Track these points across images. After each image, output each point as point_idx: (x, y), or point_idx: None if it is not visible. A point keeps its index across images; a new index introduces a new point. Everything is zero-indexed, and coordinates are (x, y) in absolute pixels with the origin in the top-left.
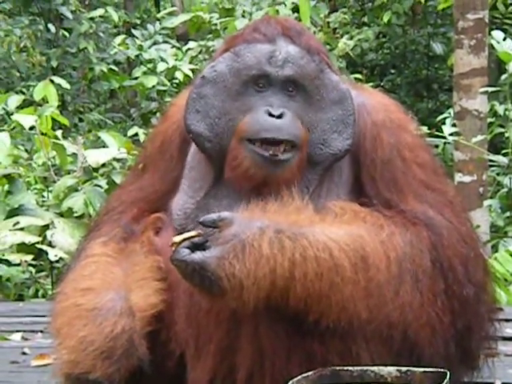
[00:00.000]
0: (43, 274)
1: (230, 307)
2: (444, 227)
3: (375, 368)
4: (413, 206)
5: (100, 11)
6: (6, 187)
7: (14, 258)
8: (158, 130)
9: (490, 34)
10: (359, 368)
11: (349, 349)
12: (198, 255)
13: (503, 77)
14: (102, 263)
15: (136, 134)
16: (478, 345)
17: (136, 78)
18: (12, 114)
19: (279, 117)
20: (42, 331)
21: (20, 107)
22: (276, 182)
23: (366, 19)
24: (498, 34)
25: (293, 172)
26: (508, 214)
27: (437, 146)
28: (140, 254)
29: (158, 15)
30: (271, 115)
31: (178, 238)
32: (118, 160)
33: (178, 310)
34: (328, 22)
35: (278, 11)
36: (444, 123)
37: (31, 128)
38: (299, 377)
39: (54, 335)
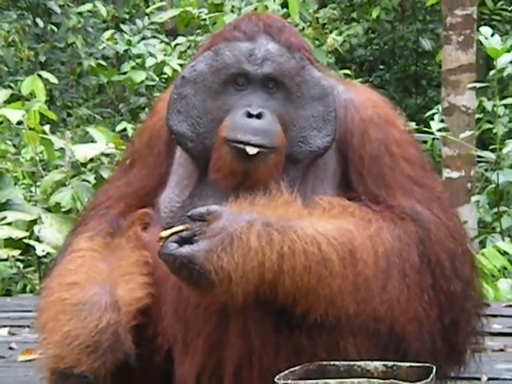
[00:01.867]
0: (31, 269)
1: (218, 302)
2: (432, 222)
3: (362, 363)
4: (401, 202)
5: (88, 6)
6: None
7: (2, 253)
8: (146, 125)
9: (478, 30)
10: (346, 363)
11: (336, 343)
12: (185, 249)
13: (491, 73)
14: (88, 258)
15: (124, 129)
16: (464, 340)
17: (124, 73)
18: (0, 109)
19: (258, 116)
20: (29, 326)
21: (8, 102)
22: (257, 179)
23: (355, 15)
24: (486, 30)
25: (270, 168)
26: (495, 209)
27: (425, 142)
28: (126, 248)
29: (147, 10)
30: (250, 115)
31: (165, 233)
32: (106, 155)
33: (166, 305)
34: (317, 18)
35: (266, 6)
36: (432, 119)
37: (19, 123)
38: (286, 371)
39: (40, 330)
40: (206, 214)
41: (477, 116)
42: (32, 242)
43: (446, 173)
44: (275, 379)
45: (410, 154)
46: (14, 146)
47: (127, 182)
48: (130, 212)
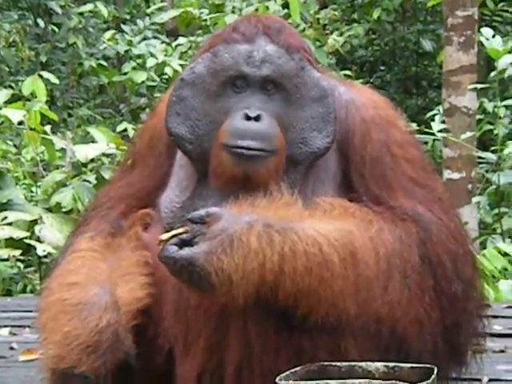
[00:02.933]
0: (31, 269)
1: (218, 303)
2: (433, 223)
3: (363, 364)
4: (402, 203)
5: (89, 6)
6: None
7: (2, 253)
8: (147, 126)
9: (479, 31)
10: (347, 363)
11: (337, 345)
12: (185, 251)
13: (492, 74)
14: (88, 258)
15: (125, 130)
16: (466, 341)
17: (125, 74)
18: (0, 109)
19: (256, 119)
20: (29, 326)
21: (8, 102)
22: (258, 182)
23: (355, 16)
24: (487, 31)
25: (271, 171)
26: (496, 210)
27: (426, 143)
28: (126, 248)
29: (148, 10)
30: (248, 118)
31: (165, 236)
32: (106, 155)
33: (167, 306)
34: (318, 19)
35: (267, 7)
36: (433, 120)
37: (20, 123)
38: (287, 372)
39: (40, 330)
40: (206, 216)
41: (478, 117)
42: (33, 242)
43: (447, 174)
44: (276, 380)
45: (412, 154)
46: (15, 146)
47: (128, 182)
48: (131, 212)
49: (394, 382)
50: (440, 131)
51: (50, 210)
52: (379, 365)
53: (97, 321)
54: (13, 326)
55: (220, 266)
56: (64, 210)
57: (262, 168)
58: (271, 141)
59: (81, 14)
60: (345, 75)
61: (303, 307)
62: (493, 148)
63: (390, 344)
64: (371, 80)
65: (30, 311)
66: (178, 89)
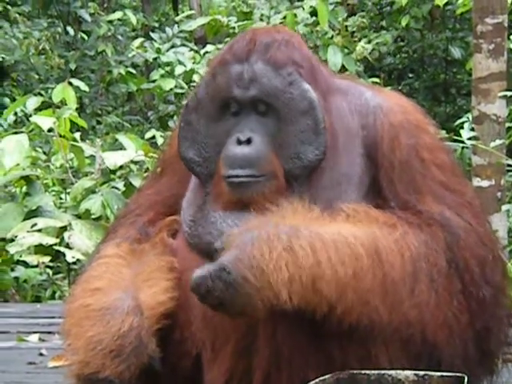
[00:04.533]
0: (60, 275)
1: (260, 314)
2: (461, 228)
3: (393, 372)
4: (430, 207)
5: (118, 14)
6: (24, 189)
7: (32, 259)
8: (176, 134)
9: (509, 38)
10: (376, 372)
11: (368, 353)
12: (212, 264)
13: None
14: (112, 264)
15: (153, 137)
16: (496, 347)
17: (154, 81)
18: (31, 116)
19: (248, 142)
20: (58, 332)
21: (39, 109)
22: (256, 204)
23: (384, 23)
24: None
25: (266, 194)
26: None
27: (455, 151)
28: (151, 254)
29: (176, 18)
30: (240, 142)
31: None
32: (135, 162)
33: (194, 311)
34: (346, 26)
35: (295, 15)
36: (462, 127)
37: (49, 130)
38: (316, 380)
39: (64, 336)
40: (226, 239)
41: (507, 125)
42: (62, 249)
43: (476, 182)
44: None
45: (441, 159)
46: (45, 153)
47: (157, 190)
48: (159, 220)
49: None
50: (469, 139)
51: (79, 216)
52: (409, 373)
53: (119, 325)
54: (42, 333)
55: (252, 264)
56: (93, 216)
57: (255, 193)
58: (260, 165)
59: (110, 21)
60: (373, 82)
61: (338, 307)
62: None
63: (420, 351)
64: (399, 87)
65: (59, 318)
66: (185, 114)
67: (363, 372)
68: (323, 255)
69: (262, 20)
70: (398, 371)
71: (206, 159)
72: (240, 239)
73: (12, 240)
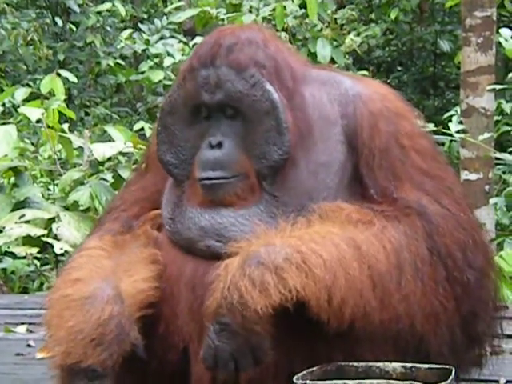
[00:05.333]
0: (48, 267)
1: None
2: (439, 215)
3: (380, 364)
4: (407, 195)
5: (107, 5)
6: (12, 180)
7: (20, 250)
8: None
9: (497, 31)
10: (364, 364)
11: (353, 349)
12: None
13: (510, 75)
14: (94, 255)
15: (142, 129)
16: (483, 329)
17: (142, 73)
18: (19, 107)
19: (219, 146)
20: None
21: (27, 100)
22: (228, 204)
23: (373, 16)
24: (505, 32)
25: (239, 193)
26: None
27: (443, 144)
28: (133, 245)
29: (165, 10)
30: (212, 146)
31: None
32: (123, 154)
33: (180, 304)
34: (335, 19)
35: (285, 7)
36: (450, 121)
37: (38, 121)
38: (304, 372)
39: (46, 327)
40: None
41: (495, 118)
42: (50, 240)
43: (464, 175)
44: (294, 379)
45: (421, 145)
46: (33, 144)
47: (142, 186)
48: (143, 214)
49: (411, 382)
50: (457, 132)
51: (67, 208)
52: (397, 365)
53: (99, 313)
54: (30, 324)
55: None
56: (81, 208)
57: (227, 193)
58: (231, 167)
59: (99, 12)
60: (362, 75)
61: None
62: (510, 149)
63: (408, 345)
64: (388, 80)
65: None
66: (161, 118)
67: (351, 364)
68: (313, 261)
69: (251, 12)
70: (386, 363)
71: (182, 162)
72: (231, 276)
73: (0, 231)
